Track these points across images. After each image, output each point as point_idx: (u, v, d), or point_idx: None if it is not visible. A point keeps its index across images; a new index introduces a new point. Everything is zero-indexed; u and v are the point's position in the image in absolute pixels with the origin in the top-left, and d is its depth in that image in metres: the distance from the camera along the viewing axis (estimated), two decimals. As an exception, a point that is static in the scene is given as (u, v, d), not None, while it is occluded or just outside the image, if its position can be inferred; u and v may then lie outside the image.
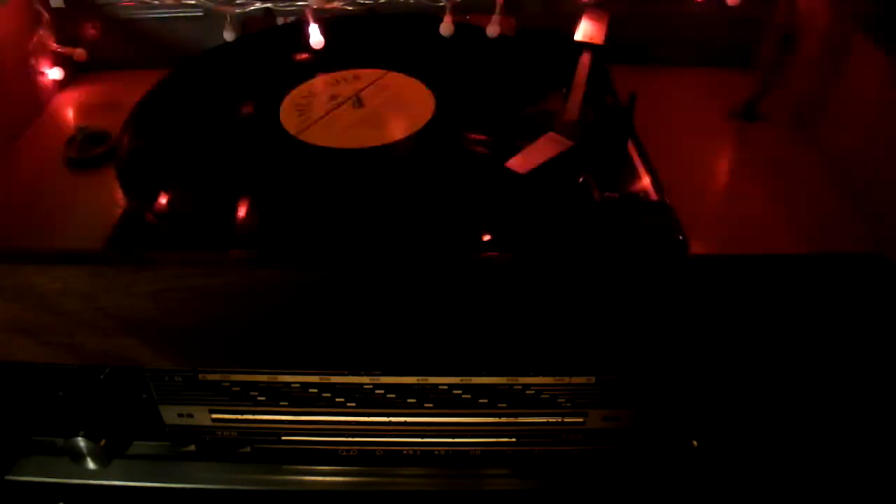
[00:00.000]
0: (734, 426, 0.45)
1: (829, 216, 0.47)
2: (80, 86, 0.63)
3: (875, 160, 0.47)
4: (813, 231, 0.46)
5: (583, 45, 0.56)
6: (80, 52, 0.60)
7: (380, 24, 0.64)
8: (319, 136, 0.50)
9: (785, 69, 0.57)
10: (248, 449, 0.48)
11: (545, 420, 0.46)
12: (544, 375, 0.43)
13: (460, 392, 0.44)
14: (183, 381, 0.44)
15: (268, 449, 0.48)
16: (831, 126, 0.52)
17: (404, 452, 0.48)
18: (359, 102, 0.54)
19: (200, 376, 0.44)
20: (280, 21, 0.64)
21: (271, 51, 0.62)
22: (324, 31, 0.58)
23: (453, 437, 0.47)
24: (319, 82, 0.57)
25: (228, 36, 0.59)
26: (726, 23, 0.60)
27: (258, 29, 0.63)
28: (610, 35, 0.57)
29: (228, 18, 0.58)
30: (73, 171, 0.52)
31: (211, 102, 0.56)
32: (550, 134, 0.49)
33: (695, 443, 0.45)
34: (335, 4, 0.60)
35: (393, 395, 0.45)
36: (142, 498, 0.50)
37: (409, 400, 0.45)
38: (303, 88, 0.56)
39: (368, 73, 0.57)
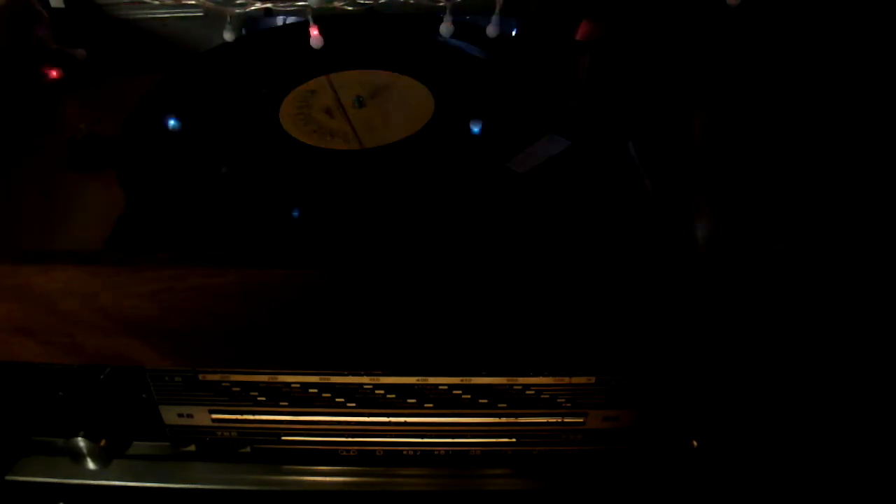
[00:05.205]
0: (734, 426, 0.45)
1: (820, 215, 0.47)
2: (80, 86, 0.63)
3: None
4: (806, 228, 0.46)
5: (583, 45, 0.56)
6: (80, 52, 0.60)
7: (379, 24, 0.64)
8: (298, 119, 0.51)
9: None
10: (248, 449, 0.48)
11: (545, 420, 0.46)
12: (544, 375, 0.43)
13: (460, 392, 0.44)
14: (183, 381, 0.44)
15: (268, 449, 0.48)
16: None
17: (404, 452, 0.48)
18: (359, 104, 0.54)
19: (200, 376, 0.44)
20: (280, 21, 0.64)
21: (271, 51, 0.62)
22: (323, 32, 0.58)
23: (453, 437, 0.47)
24: (338, 77, 0.57)
25: (228, 36, 0.59)
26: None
27: (258, 29, 0.63)
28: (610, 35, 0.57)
29: (228, 18, 0.58)
30: (73, 171, 0.52)
31: (211, 103, 0.56)
32: (550, 134, 0.49)
33: (695, 443, 0.45)
34: (335, 4, 0.60)
35: (393, 395, 0.45)
36: (142, 498, 0.50)
37: (409, 400, 0.45)
38: (289, 107, 0.54)
39: (385, 75, 0.57)
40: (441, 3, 0.57)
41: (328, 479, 0.49)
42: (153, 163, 0.49)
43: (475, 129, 0.52)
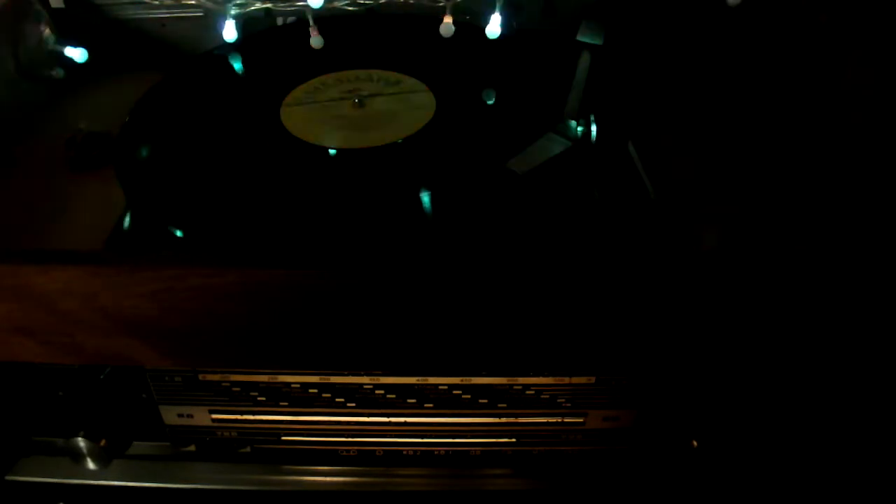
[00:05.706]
0: (734, 426, 0.45)
1: (821, 216, 0.47)
2: (80, 86, 0.63)
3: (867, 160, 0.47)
4: (807, 229, 0.46)
5: (583, 45, 0.56)
6: (80, 52, 0.60)
7: (380, 24, 0.64)
8: (298, 118, 0.51)
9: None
10: (248, 449, 0.48)
11: (545, 420, 0.46)
12: (544, 375, 0.43)
13: (460, 392, 0.44)
14: (183, 381, 0.44)
15: (268, 449, 0.48)
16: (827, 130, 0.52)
17: (404, 452, 0.48)
18: (360, 104, 0.54)
19: (200, 376, 0.44)
20: (280, 21, 0.64)
21: (271, 51, 0.62)
22: (324, 32, 0.58)
23: (453, 437, 0.47)
24: (338, 77, 0.57)
25: (228, 36, 0.59)
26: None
27: (258, 29, 0.63)
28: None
29: (228, 18, 0.58)
30: (74, 171, 0.52)
31: (211, 103, 0.56)
32: (550, 134, 0.49)
33: (695, 443, 0.45)
34: (335, 4, 0.60)
35: (393, 396, 0.45)
36: (142, 498, 0.50)
37: (409, 400, 0.45)
38: (326, 78, 0.56)
39: (386, 75, 0.57)
40: (441, 4, 0.57)
41: (328, 479, 0.49)
42: (153, 162, 0.49)
43: (475, 129, 0.52)
